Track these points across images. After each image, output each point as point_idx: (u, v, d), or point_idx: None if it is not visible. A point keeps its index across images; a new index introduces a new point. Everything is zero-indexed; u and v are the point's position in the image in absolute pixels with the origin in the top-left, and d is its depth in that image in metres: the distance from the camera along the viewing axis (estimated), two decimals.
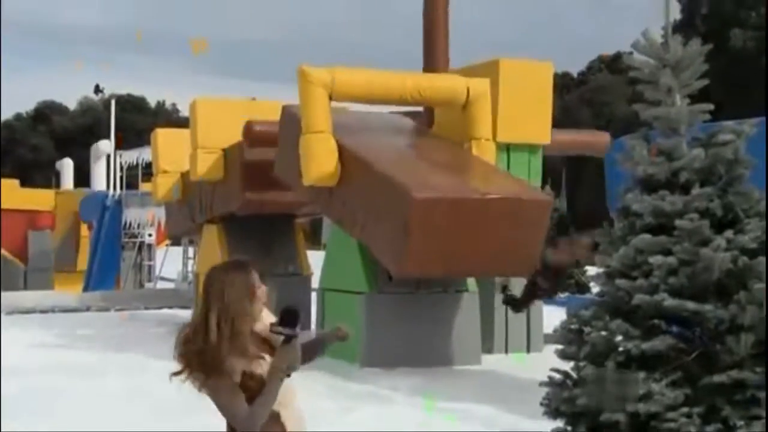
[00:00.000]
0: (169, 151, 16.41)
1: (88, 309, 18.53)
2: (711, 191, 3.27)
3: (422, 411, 8.50)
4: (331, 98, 11.46)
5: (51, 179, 29.62)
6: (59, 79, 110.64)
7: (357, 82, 11.61)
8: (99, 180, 26.06)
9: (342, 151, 11.37)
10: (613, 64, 51.60)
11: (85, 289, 22.37)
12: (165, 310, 18.29)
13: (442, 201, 10.22)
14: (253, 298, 3.25)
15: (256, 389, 3.20)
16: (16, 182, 27.32)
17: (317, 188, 11.69)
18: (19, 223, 25.15)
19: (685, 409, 3.05)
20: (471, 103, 12.02)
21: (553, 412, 3.67)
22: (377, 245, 10.81)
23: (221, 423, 3.40)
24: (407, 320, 11.39)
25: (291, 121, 12.29)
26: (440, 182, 10.76)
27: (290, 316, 3.22)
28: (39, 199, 26.43)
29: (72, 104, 72.75)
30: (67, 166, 29.72)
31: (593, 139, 15.09)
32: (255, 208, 14.30)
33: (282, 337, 3.21)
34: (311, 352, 3.59)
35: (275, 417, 3.28)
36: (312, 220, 19.93)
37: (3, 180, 25.97)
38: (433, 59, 13.15)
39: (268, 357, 3.24)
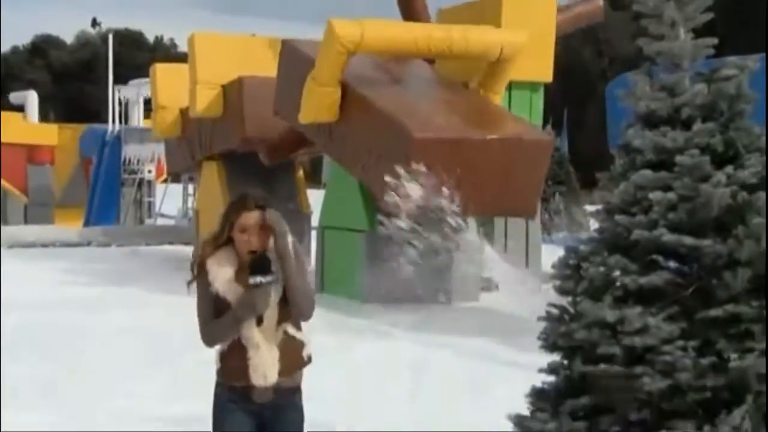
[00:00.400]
0: (169, 86, 16.29)
1: (89, 244, 18.63)
2: (712, 127, 3.26)
3: (422, 346, 8.62)
4: (356, 52, 11.20)
5: (49, 114, 29.16)
6: (56, 12, 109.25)
7: (386, 36, 11.33)
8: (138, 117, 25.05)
9: (343, 88, 11.33)
10: (617, 0, 50.90)
11: (86, 224, 22.45)
12: (165, 247, 18.40)
13: (442, 141, 10.25)
14: (212, 229, 3.44)
15: (222, 313, 3.41)
16: (20, 115, 27.04)
17: (317, 126, 11.67)
18: (17, 156, 25.07)
19: (680, 343, 3.10)
20: (502, 60, 11.69)
21: (550, 346, 3.72)
22: (378, 185, 10.83)
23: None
24: (407, 258, 11.46)
25: (293, 56, 12.17)
26: (441, 122, 10.79)
27: (261, 263, 3.35)
28: (43, 133, 26.22)
29: (69, 38, 72.06)
30: (31, 99, 27.84)
31: (587, 8, 14.78)
32: (255, 146, 14.25)
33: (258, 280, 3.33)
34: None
35: (242, 352, 3.41)
36: (312, 159, 19.89)
37: (7, 113, 25.78)
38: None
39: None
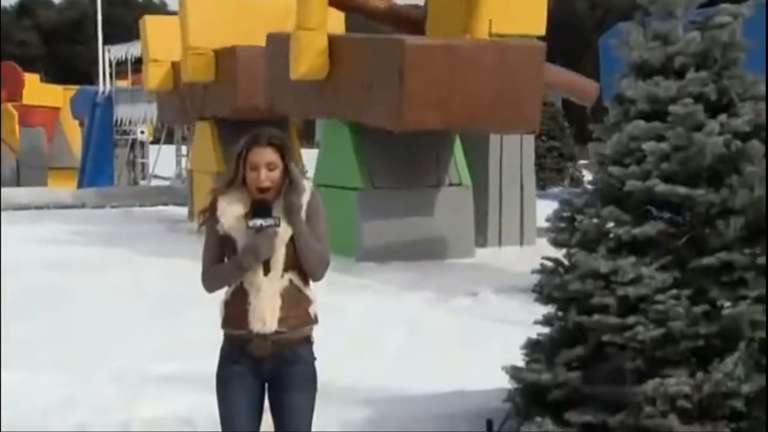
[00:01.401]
0: (159, 39, 16.08)
1: (83, 206, 18.59)
2: (706, 76, 3.26)
3: (417, 303, 8.67)
4: None
5: (39, 75, 28.84)
6: None
7: None
8: None
9: (331, 40, 11.33)
10: None
11: (79, 186, 22.39)
12: (160, 207, 18.37)
13: (434, 47, 10.61)
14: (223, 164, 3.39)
15: (227, 254, 3.36)
16: (36, 77, 26.70)
17: (308, 87, 11.63)
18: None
19: (673, 291, 3.13)
20: None
21: (545, 298, 3.75)
22: (373, 111, 10.87)
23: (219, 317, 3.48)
24: (402, 215, 11.49)
25: (278, 44, 12.08)
26: (431, 39, 11.45)
27: (261, 208, 3.28)
28: (48, 95, 25.86)
29: None
30: None
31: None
32: (247, 114, 14.12)
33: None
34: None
35: (244, 296, 3.34)
36: (305, 119, 19.80)
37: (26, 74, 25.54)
38: None
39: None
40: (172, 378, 5.82)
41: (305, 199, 3.35)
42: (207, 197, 3.45)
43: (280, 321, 3.32)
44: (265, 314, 3.30)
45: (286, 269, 3.34)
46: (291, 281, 3.36)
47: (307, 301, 3.42)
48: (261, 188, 3.30)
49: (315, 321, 3.44)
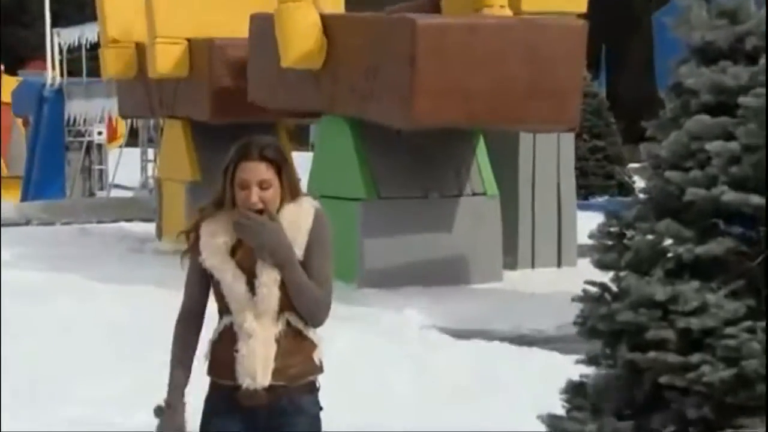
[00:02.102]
0: (119, 16, 16.03)
1: (28, 222, 18.65)
2: None
3: (429, 338, 8.67)
4: None
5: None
6: None
7: None
8: None
9: (326, 22, 11.39)
10: None
11: (24, 198, 22.46)
12: (122, 224, 18.43)
13: (450, 27, 10.64)
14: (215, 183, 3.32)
15: (214, 290, 3.33)
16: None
17: (301, 79, 11.67)
18: None
19: (747, 323, 3.11)
20: None
21: (588, 332, 3.73)
22: (378, 105, 10.88)
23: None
24: (414, 231, 11.50)
25: (264, 28, 12.13)
26: (447, 17, 11.44)
27: None
28: (5, 89, 25.68)
29: None
30: None
31: None
32: (228, 117, 14.13)
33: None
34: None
35: (232, 339, 3.28)
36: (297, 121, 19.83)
37: None
38: None
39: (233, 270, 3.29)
40: (139, 429, 5.82)
41: (303, 241, 3.30)
42: (193, 217, 3.39)
43: (276, 372, 3.24)
44: (256, 367, 3.21)
45: (281, 310, 3.27)
46: (289, 323, 3.28)
47: (311, 345, 3.33)
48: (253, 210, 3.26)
49: (321, 369, 3.36)
